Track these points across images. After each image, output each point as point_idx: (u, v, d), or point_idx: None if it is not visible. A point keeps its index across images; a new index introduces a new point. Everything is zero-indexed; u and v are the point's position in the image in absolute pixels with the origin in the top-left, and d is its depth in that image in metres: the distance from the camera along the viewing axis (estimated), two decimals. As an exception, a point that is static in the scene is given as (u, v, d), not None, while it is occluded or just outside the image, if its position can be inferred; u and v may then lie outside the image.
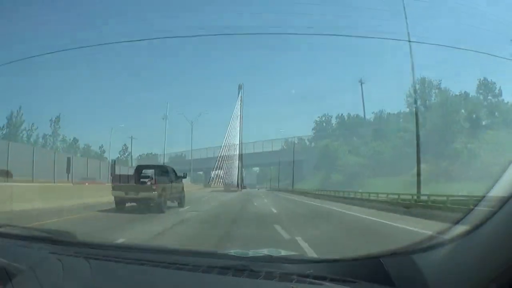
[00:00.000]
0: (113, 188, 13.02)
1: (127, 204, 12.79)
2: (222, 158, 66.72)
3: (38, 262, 1.26)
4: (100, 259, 1.53)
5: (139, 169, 14.55)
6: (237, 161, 75.90)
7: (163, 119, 60.39)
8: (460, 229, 1.15)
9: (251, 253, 1.69)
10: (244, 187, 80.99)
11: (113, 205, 12.89)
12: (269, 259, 1.58)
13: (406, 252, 1.28)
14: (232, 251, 1.83)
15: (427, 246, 1.23)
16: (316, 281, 1.29)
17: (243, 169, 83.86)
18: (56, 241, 1.83)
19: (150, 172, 13.24)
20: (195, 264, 1.47)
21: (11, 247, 1.49)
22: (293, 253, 1.80)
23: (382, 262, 1.33)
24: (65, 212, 11.13)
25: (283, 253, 1.74)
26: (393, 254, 1.35)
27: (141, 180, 12.76)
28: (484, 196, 1.20)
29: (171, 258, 1.64)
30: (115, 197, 12.88)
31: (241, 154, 75.28)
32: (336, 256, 1.53)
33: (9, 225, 2.02)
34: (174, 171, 15.37)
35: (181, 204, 15.00)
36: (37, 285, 1.13)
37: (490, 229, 1.01)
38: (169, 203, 13.79)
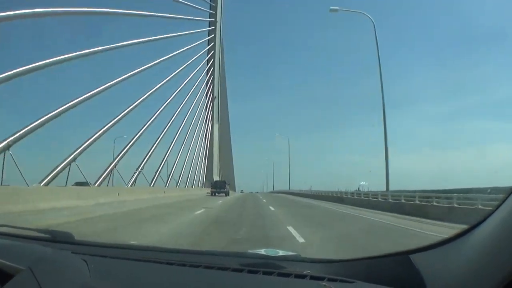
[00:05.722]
0: (211, 187, 40.91)
1: (213, 194, 39.85)
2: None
3: (36, 261, 1.22)
4: (99, 257, 1.55)
5: (216, 181, 42.98)
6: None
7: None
8: (459, 228, 1.17)
9: (249, 253, 1.77)
10: (241, 191, 79.33)
11: (209, 194, 40.10)
12: (267, 259, 1.61)
13: (404, 252, 1.29)
14: (230, 251, 2.06)
15: (425, 246, 1.24)
16: (314, 281, 1.28)
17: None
18: (54, 241, 1.86)
19: (222, 182, 41.71)
20: (195, 262, 1.52)
21: (9, 247, 1.45)
22: (290, 253, 1.80)
23: (379, 263, 1.37)
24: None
25: (281, 253, 1.76)
26: (391, 254, 1.36)
27: (221, 185, 40.50)
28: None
29: (171, 256, 1.72)
30: (211, 191, 40.05)
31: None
32: (334, 257, 1.57)
33: (7, 225, 2.03)
34: (227, 182, 43.33)
35: (228, 194, 41.68)
36: (36, 285, 1.10)
37: (488, 228, 1.00)
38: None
